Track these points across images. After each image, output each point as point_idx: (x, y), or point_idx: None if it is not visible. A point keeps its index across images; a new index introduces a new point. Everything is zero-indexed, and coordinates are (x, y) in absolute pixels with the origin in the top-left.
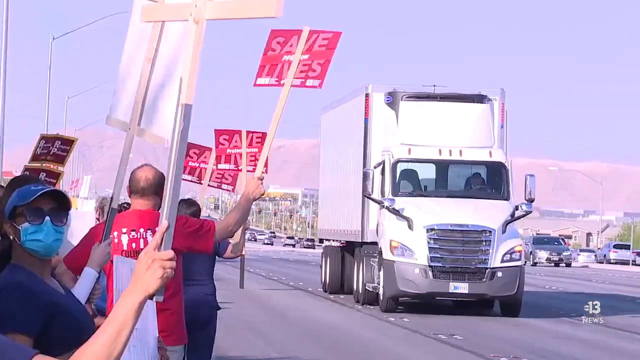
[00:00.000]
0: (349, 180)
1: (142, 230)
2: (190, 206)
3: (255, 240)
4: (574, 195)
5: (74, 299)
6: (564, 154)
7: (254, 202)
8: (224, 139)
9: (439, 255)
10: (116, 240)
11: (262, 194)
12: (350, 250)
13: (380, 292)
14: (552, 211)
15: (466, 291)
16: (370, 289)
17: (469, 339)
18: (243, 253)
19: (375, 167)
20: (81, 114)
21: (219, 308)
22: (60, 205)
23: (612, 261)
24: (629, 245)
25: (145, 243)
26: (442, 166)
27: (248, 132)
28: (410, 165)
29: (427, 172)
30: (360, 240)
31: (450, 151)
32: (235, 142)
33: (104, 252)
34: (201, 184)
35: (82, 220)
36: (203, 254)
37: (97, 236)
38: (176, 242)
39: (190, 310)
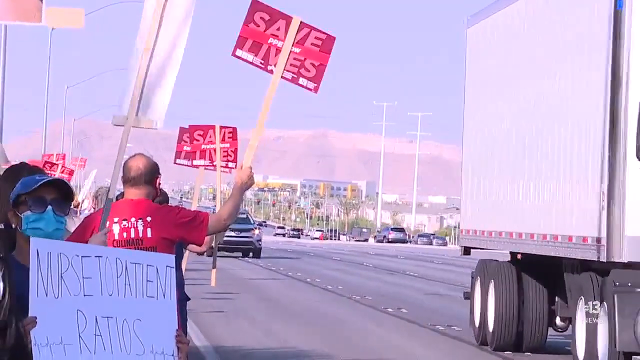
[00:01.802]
0: (555, 135)
1: (133, 219)
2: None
3: None
4: None
5: None
6: None
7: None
8: (199, 135)
9: None
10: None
11: (253, 183)
12: (544, 274)
13: None
14: None
15: None
16: None
17: None
18: (212, 245)
19: None
20: (80, 104)
21: (189, 299)
22: (63, 195)
23: None
24: None
25: (136, 232)
26: None
27: (221, 127)
28: None
29: None
30: (600, 258)
31: None
32: (210, 137)
33: (100, 241)
34: (197, 167)
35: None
36: (196, 244)
37: (92, 225)
38: (169, 232)
39: None
